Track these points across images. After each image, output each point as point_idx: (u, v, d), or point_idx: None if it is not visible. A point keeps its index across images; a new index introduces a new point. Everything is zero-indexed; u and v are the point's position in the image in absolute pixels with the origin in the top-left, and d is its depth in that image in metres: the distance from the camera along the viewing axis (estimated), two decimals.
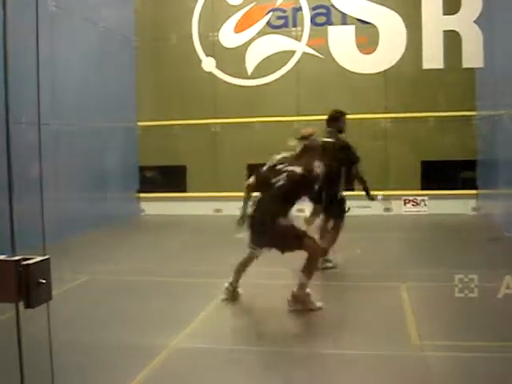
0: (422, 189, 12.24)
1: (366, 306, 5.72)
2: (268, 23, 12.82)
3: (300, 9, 12.71)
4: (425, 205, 12.13)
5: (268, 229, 5.49)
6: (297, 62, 12.68)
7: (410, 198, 12.21)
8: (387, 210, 12.21)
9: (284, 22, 12.81)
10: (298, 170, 5.56)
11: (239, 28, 12.88)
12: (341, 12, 12.53)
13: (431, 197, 12.16)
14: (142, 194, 12.98)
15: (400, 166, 12.24)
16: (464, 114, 11.92)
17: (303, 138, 5.72)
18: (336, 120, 7.09)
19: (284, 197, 5.53)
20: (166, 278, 7.07)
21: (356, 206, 12.01)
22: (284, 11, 12.79)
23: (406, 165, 12.21)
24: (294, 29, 12.76)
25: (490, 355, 4.25)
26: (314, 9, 12.67)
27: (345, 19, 12.52)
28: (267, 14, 12.79)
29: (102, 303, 6.06)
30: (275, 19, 12.85)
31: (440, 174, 12.19)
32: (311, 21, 12.66)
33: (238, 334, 5.14)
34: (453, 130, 11.94)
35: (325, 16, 12.65)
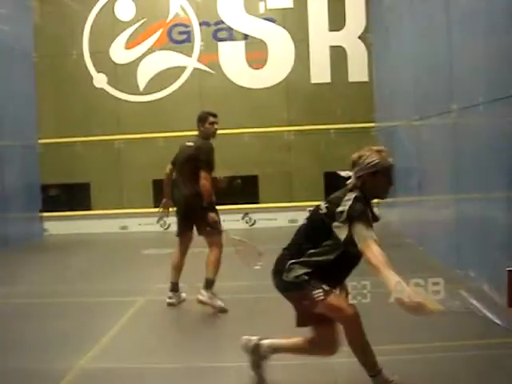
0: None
1: None
2: (170, 38, 12.86)
3: (202, 24, 12.84)
4: None
5: None
6: (188, 78, 12.79)
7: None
8: (292, 221, 12.44)
9: (187, 37, 12.89)
10: None
11: (130, 44, 12.88)
12: (231, 28, 12.76)
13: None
14: (45, 214, 12.62)
15: (304, 177, 12.51)
16: (362, 126, 12.35)
17: None
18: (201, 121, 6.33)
19: None
20: (69, 298, 6.88)
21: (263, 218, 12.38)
22: (187, 26, 12.87)
23: (310, 176, 12.49)
24: (196, 43, 12.84)
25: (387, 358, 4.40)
26: (207, 24, 12.85)
27: (234, 35, 12.76)
28: (162, 29, 12.83)
29: (2, 327, 5.84)
30: (177, 34, 12.89)
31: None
32: (202, 36, 12.86)
33: (144, 352, 5.08)
34: (352, 142, 12.31)
35: (218, 32, 12.85)
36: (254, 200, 12.50)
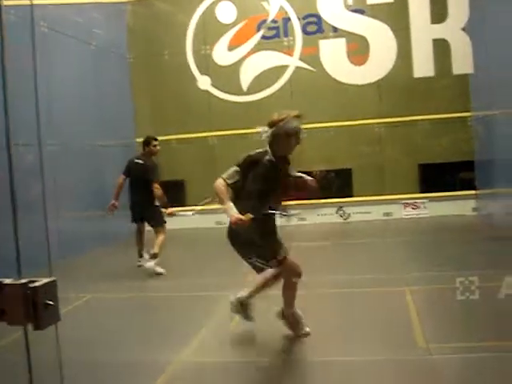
0: (421, 192, 12.28)
1: (372, 312, 5.72)
2: (268, 36, 12.95)
3: (306, 19, 12.83)
4: (425, 207, 12.16)
5: None
6: (290, 76, 12.78)
7: (410, 202, 12.24)
8: (386, 214, 12.25)
9: (276, 33, 12.92)
10: None
11: (232, 45, 13.02)
12: (331, 25, 12.66)
13: (431, 199, 12.19)
14: None
15: (397, 170, 12.29)
16: (459, 116, 11.98)
17: None
18: (146, 144, 8.72)
19: None
20: (166, 292, 7.07)
21: (357, 211, 12.24)
22: (275, 22, 12.91)
23: (404, 169, 12.26)
24: (285, 39, 12.86)
25: (496, 355, 4.25)
26: (304, 18, 12.80)
27: (335, 31, 12.64)
28: (258, 29, 12.91)
29: (105, 323, 6.06)
30: (267, 30, 12.96)
31: (438, 177, 12.23)
32: (302, 31, 12.79)
33: (241, 346, 5.13)
34: (449, 133, 11.99)
35: (316, 25, 12.76)
36: (348, 193, 12.39)
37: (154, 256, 8.20)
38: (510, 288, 2.78)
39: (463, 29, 12.10)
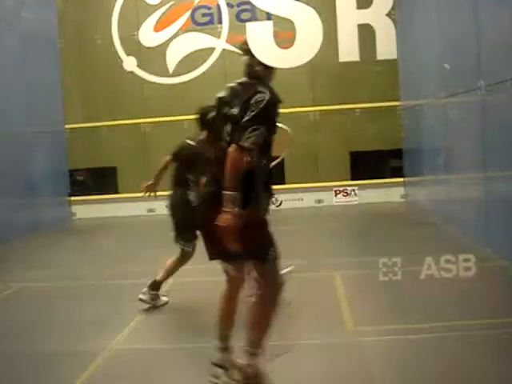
0: (352, 179, 12.52)
1: (302, 297, 5.82)
2: (193, 21, 12.86)
3: (233, 3, 12.82)
4: (355, 194, 12.40)
5: None
6: (217, 59, 12.74)
7: (341, 189, 12.47)
8: (319, 201, 12.43)
9: (210, 19, 12.87)
10: None
11: (159, 27, 12.87)
12: (259, 8, 12.69)
13: (361, 186, 12.44)
14: (73, 198, 12.78)
15: (330, 157, 12.47)
16: (388, 105, 12.25)
17: None
18: None
19: None
20: (98, 281, 6.99)
21: (289, 199, 12.38)
22: (209, 8, 12.84)
23: (336, 156, 12.46)
24: (219, 25, 12.82)
25: (421, 336, 4.41)
26: (238, 5, 12.79)
27: (262, 15, 12.68)
28: (189, 12, 12.81)
29: (33, 311, 5.96)
30: (200, 16, 12.88)
31: (368, 164, 12.49)
32: (233, 17, 12.79)
33: (173, 332, 5.14)
34: (378, 121, 12.24)
35: (248, 12, 12.78)
36: (281, 181, 12.50)
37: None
38: (429, 268, 2.90)
39: (387, 14, 12.37)
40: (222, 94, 3.77)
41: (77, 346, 4.77)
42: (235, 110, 3.52)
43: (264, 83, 3.75)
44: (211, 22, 12.84)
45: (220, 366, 3.77)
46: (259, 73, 3.97)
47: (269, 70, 4.12)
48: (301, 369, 4.12)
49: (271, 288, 3.60)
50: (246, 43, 4.28)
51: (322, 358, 4.29)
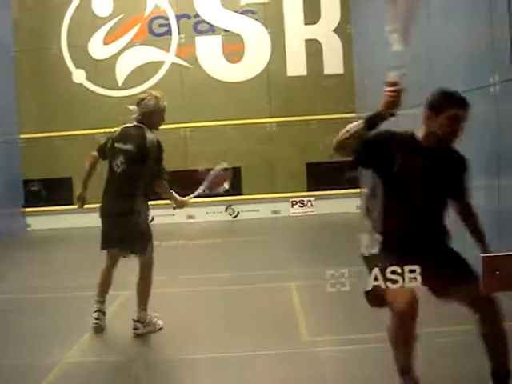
0: (309, 190, 12.62)
1: (256, 308, 5.85)
2: (151, 31, 12.87)
3: (181, 17, 12.86)
4: (312, 205, 12.51)
5: None
6: (166, 72, 12.81)
7: (297, 200, 12.56)
8: (275, 212, 12.51)
9: (167, 30, 12.89)
10: None
11: (108, 40, 12.84)
12: (208, 23, 12.81)
13: (317, 197, 12.56)
14: (27, 209, 12.58)
15: (287, 168, 12.57)
16: (343, 116, 12.41)
17: None
18: None
19: None
20: (53, 294, 6.86)
21: (245, 209, 12.42)
22: (167, 19, 12.87)
23: (293, 167, 12.56)
24: (178, 36, 12.87)
25: (375, 346, 4.47)
26: (187, 17, 12.90)
27: (212, 29, 12.80)
28: (141, 23, 12.82)
29: None
30: (158, 27, 12.90)
31: (325, 175, 12.62)
32: (182, 29, 12.87)
33: (131, 344, 5.12)
34: (334, 132, 12.37)
35: (198, 24, 12.87)
36: (237, 192, 12.53)
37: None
38: (377, 279, 2.95)
39: (334, 30, 12.65)
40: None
41: (32, 359, 4.70)
42: None
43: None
44: (169, 32, 12.87)
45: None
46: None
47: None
48: (256, 379, 4.15)
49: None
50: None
51: (277, 369, 4.32)
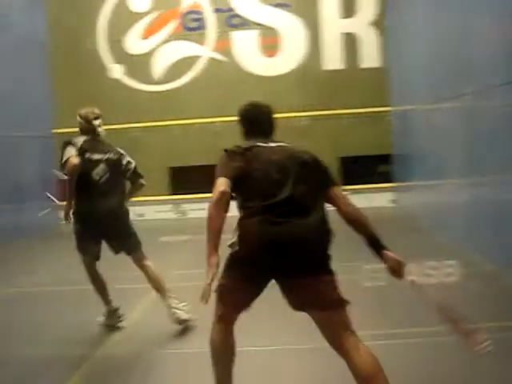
0: (343, 184, 12.51)
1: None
2: (184, 26, 12.93)
3: (215, 11, 12.90)
4: None
5: None
6: (203, 67, 12.91)
7: None
8: None
9: (199, 25, 12.93)
10: None
11: (145, 34, 12.91)
12: (242, 17, 12.81)
13: (351, 191, 12.44)
14: (60, 203, 12.69)
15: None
16: (377, 111, 12.31)
17: None
18: None
19: None
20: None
21: None
22: (199, 13, 12.91)
23: (326, 161, 12.45)
24: (210, 31, 12.91)
25: (407, 341, 4.43)
26: (220, 11, 12.90)
27: (246, 23, 12.79)
28: (183, 21, 12.87)
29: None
30: (191, 22, 12.93)
31: (358, 169, 12.54)
32: (216, 23, 12.96)
33: (165, 337, 5.13)
34: (368, 126, 12.29)
35: (232, 18, 12.88)
36: None
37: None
38: (411, 275, 2.91)
39: (371, 23, 12.54)
40: None
41: (67, 351, 4.76)
42: None
43: None
44: (202, 27, 12.90)
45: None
46: None
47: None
48: (289, 373, 4.14)
49: None
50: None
51: (309, 364, 4.30)
